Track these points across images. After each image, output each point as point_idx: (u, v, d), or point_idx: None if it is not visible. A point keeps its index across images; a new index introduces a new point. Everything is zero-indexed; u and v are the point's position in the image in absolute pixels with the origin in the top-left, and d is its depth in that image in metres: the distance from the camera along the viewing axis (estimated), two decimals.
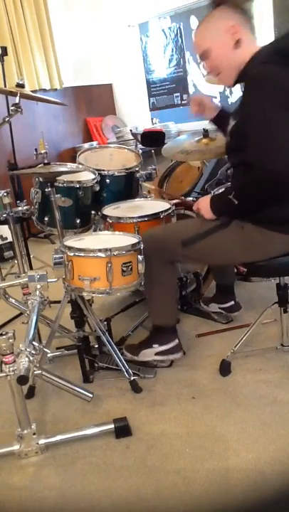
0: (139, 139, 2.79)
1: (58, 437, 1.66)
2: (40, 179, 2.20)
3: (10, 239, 3.71)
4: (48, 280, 1.86)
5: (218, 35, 1.70)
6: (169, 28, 4.69)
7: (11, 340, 1.50)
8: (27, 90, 2.79)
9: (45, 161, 2.17)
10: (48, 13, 4.79)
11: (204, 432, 1.65)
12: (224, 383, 1.91)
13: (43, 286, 1.86)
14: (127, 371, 1.93)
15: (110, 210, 2.26)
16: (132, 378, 1.93)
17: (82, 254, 1.78)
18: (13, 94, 2.46)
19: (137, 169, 2.48)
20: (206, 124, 2.29)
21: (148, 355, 2.02)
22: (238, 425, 1.65)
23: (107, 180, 2.39)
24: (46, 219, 2.25)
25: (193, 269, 2.61)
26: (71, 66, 5.17)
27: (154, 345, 2.01)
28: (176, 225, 2.17)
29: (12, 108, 2.38)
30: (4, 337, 1.49)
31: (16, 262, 2.37)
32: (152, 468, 1.52)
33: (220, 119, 2.05)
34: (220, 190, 2.13)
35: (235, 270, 2.47)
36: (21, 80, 2.63)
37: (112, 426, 1.67)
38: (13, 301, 2.23)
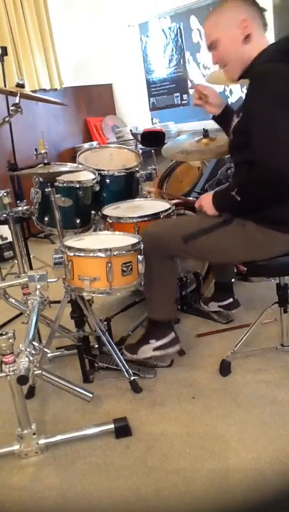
0: (139, 139, 2.79)
1: (58, 437, 1.66)
2: (40, 179, 2.20)
3: (10, 239, 3.71)
4: (48, 280, 1.86)
5: (229, 27, 1.68)
6: (169, 28, 4.69)
7: (11, 340, 1.50)
8: (27, 90, 2.79)
9: (45, 161, 2.17)
10: (48, 13, 4.78)
11: (204, 432, 1.65)
12: (224, 383, 1.91)
13: (43, 286, 1.86)
14: (127, 371, 1.93)
15: (110, 210, 2.26)
16: (132, 378, 1.93)
17: (82, 254, 1.78)
18: (13, 94, 2.46)
19: (137, 169, 2.48)
20: (206, 124, 2.29)
21: (146, 351, 2.02)
22: (238, 425, 1.65)
23: (107, 180, 2.39)
24: (46, 219, 2.25)
25: (193, 268, 2.62)
26: (71, 66, 5.17)
27: (151, 341, 2.01)
28: (177, 221, 2.17)
29: (12, 108, 2.38)
30: (4, 337, 1.49)
31: (16, 262, 2.37)
32: (152, 468, 1.52)
33: (224, 117, 2.01)
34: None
35: (235, 270, 2.48)
36: (21, 79, 2.63)
37: (112, 426, 1.67)
38: (13, 301, 2.23)
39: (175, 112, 4.91)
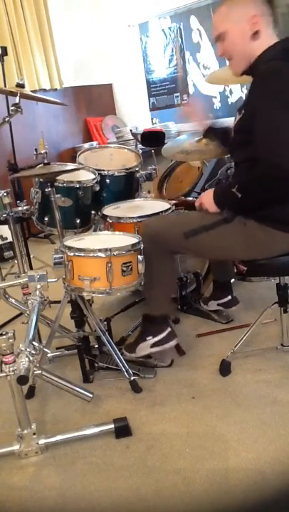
0: (139, 139, 2.79)
1: (58, 437, 1.66)
2: (40, 179, 2.20)
3: (10, 239, 3.71)
4: (48, 280, 1.86)
5: (238, 22, 1.67)
6: (169, 28, 4.69)
7: (11, 340, 1.50)
8: (27, 90, 2.80)
9: (45, 161, 2.17)
10: (48, 13, 4.79)
11: (204, 432, 1.65)
12: (224, 383, 1.91)
13: (43, 286, 1.86)
14: (127, 371, 1.93)
15: (110, 210, 2.26)
16: (132, 378, 1.93)
17: (82, 254, 1.78)
18: (13, 94, 2.47)
19: (137, 169, 2.48)
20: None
21: (144, 348, 2.02)
22: (238, 425, 1.65)
23: (107, 180, 2.39)
24: (46, 219, 2.25)
25: (193, 268, 2.62)
26: (71, 66, 5.17)
27: (148, 338, 2.01)
28: (178, 217, 2.17)
29: (12, 108, 2.38)
30: (4, 337, 1.49)
31: (16, 262, 2.37)
32: (152, 468, 1.52)
33: (211, 133, 2.09)
34: None
35: (235, 270, 2.47)
36: (21, 79, 2.63)
37: (112, 426, 1.67)
38: (13, 301, 2.23)
39: (175, 112, 4.91)
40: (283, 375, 1.90)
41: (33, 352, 1.53)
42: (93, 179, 2.29)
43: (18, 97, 2.42)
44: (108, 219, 2.19)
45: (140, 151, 2.68)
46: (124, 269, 1.80)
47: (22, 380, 1.43)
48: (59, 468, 1.57)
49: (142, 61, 5.09)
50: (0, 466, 1.60)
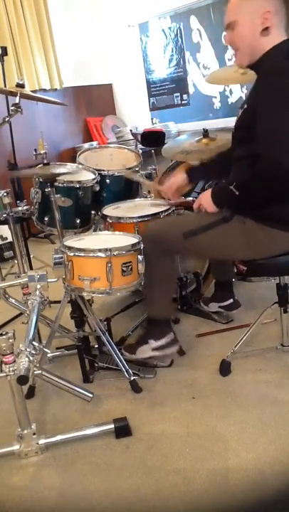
0: (139, 139, 2.80)
1: (58, 437, 1.66)
2: (40, 179, 2.20)
3: (10, 239, 3.71)
4: (48, 280, 1.86)
5: (251, 14, 1.66)
6: (169, 28, 4.69)
7: (11, 340, 1.50)
8: (27, 90, 2.80)
9: (45, 161, 2.17)
10: (48, 13, 4.79)
11: (204, 432, 1.65)
12: (224, 383, 1.91)
13: (43, 286, 1.86)
14: (127, 371, 1.93)
15: (110, 210, 2.26)
16: (132, 378, 1.93)
17: (82, 254, 1.78)
18: (13, 94, 2.47)
19: (137, 169, 2.48)
20: (206, 124, 2.30)
21: (145, 351, 2.02)
22: (238, 425, 1.65)
23: (107, 180, 2.39)
24: (46, 219, 2.25)
25: (193, 268, 2.62)
26: (71, 66, 5.17)
27: (150, 341, 2.01)
28: (177, 218, 2.18)
29: (12, 108, 2.38)
30: (4, 337, 1.49)
31: (16, 262, 2.37)
32: (152, 468, 1.52)
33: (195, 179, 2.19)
34: None
35: (235, 269, 2.47)
36: (21, 80, 2.63)
37: (112, 426, 1.67)
38: (13, 301, 2.23)
39: (175, 112, 4.91)
40: (283, 375, 1.90)
41: (33, 352, 1.53)
42: (93, 179, 2.29)
43: (18, 97, 2.42)
44: (108, 219, 2.19)
45: (140, 151, 2.68)
46: (124, 269, 1.80)
47: (22, 380, 1.43)
48: (59, 468, 1.57)
49: (142, 61, 5.10)
50: (0, 466, 1.60)
